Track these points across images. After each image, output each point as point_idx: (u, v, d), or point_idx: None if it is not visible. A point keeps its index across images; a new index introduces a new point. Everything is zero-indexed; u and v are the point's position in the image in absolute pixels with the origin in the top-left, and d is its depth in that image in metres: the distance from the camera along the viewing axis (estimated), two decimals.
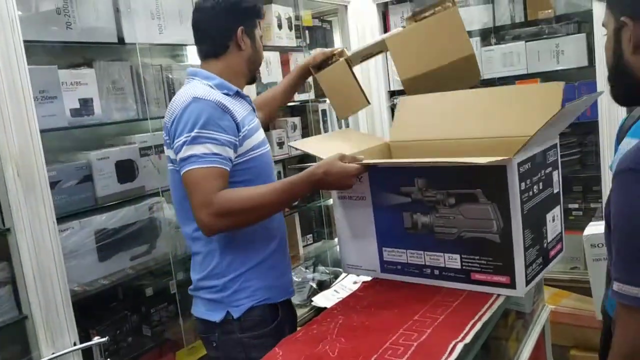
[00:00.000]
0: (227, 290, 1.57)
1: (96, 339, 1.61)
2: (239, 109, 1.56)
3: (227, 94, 1.56)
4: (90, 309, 1.91)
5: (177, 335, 2.17)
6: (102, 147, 1.99)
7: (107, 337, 1.63)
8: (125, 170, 1.99)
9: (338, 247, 1.68)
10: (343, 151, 1.50)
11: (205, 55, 1.63)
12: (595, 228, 2.14)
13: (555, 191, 1.55)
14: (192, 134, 1.44)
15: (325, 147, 1.64)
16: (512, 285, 1.34)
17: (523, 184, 1.31)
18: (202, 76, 1.59)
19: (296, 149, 1.76)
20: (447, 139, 1.68)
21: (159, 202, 2.09)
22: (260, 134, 1.65)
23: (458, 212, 1.38)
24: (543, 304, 2.04)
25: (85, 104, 1.88)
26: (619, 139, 1.52)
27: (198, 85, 1.54)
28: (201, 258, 1.62)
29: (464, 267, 1.40)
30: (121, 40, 1.98)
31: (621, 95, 1.10)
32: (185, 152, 1.44)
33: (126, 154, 2.00)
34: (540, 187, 1.43)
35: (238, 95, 1.62)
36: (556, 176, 1.57)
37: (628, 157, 0.93)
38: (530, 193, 1.37)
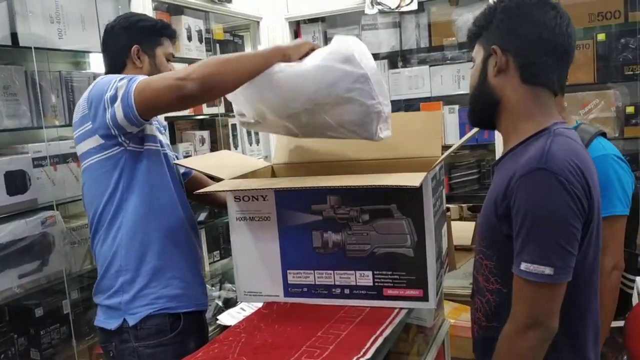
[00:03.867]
0: (123, 295, 1.52)
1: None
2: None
3: None
4: None
5: (69, 359, 2.03)
6: None
7: None
8: (16, 181, 1.85)
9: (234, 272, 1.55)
10: (228, 171, 1.55)
11: (108, 72, 1.67)
12: None
13: (444, 208, 1.62)
14: (115, 84, 1.44)
15: (211, 165, 1.62)
16: (424, 297, 1.36)
17: (432, 199, 1.36)
18: None
19: (181, 165, 1.69)
20: (335, 161, 1.72)
21: (53, 216, 1.96)
22: (163, 144, 1.64)
23: (372, 228, 1.38)
24: (443, 318, 2.10)
25: None
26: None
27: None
28: (102, 259, 1.55)
29: (376, 284, 1.40)
30: (15, 43, 1.86)
31: (477, 114, 1.31)
32: (119, 87, 1.44)
33: (17, 164, 1.87)
34: (439, 204, 1.49)
35: None
36: (444, 194, 1.66)
37: (532, 159, 1.11)
38: (436, 208, 1.42)
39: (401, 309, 1.39)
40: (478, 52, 1.27)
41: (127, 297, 1.51)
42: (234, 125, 2.93)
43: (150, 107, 1.43)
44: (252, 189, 1.44)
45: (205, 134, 2.76)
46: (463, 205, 1.80)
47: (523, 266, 1.09)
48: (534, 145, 1.15)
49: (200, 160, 1.83)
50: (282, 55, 1.45)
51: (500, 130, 1.29)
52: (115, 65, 1.66)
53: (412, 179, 1.25)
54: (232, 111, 2.89)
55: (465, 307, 2.70)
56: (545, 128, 1.18)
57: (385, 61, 3.21)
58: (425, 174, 1.31)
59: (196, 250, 1.67)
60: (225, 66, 1.41)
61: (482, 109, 1.28)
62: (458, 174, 2.96)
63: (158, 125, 1.67)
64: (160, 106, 1.45)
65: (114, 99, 1.43)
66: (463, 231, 1.82)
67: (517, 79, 1.20)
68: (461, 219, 1.75)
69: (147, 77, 1.46)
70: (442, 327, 2.00)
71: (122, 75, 1.48)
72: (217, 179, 1.56)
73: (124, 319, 1.51)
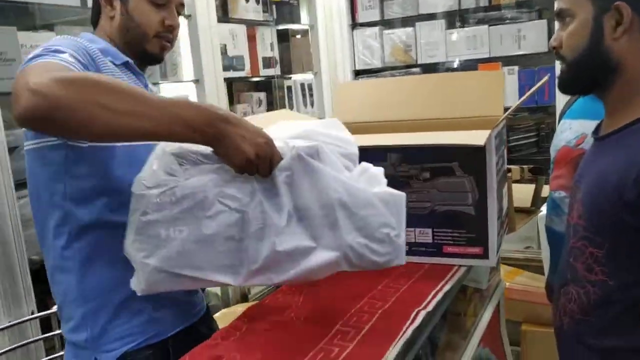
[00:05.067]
0: (87, 328, 1.12)
1: (55, 308, 1.53)
2: (118, 77, 1.17)
3: (112, 62, 1.20)
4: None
5: None
6: None
7: None
8: None
9: None
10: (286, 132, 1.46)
11: (91, 23, 1.33)
12: None
13: (505, 168, 1.60)
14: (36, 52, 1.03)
15: (270, 124, 1.64)
16: (485, 255, 1.37)
17: (495, 157, 1.35)
18: (86, 38, 1.22)
19: None
20: (396, 120, 1.68)
21: None
22: None
23: (432, 186, 1.39)
24: (499, 280, 2.10)
25: None
26: (559, 122, 1.67)
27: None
28: (56, 277, 1.17)
29: (435, 241, 1.42)
30: None
31: (581, 81, 1.15)
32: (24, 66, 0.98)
33: None
34: (501, 163, 1.48)
35: (127, 67, 1.24)
36: (505, 154, 1.62)
37: None
38: (498, 167, 1.41)
39: (460, 266, 1.40)
40: (580, 6, 1.11)
41: (92, 331, 1.12)
42: (289, 87, 2.96)
43: None
44: None
45: (262, 95, 2.80)
46: (524, 166, 1.77)
47: None
48: None
49: (260, 120, 1.86)
50: (192, 130, 0.89)
51: (606, 100, 1.16)
52: (93, 14, 1.30)
53: (476, 138, 1.25)
54: (287, 73, 2.94)
55: (519, 271, 2.69)
56: None
57: (443, 21, 3.14)
58: (489, 132, 1.30)
59: None
60: (97, 96, 0.86)
61: (590, 76, 1.13)
62: (516, 137, 2.91)
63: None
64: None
65: None
66: (523, 193, 1.81)
67: None
68: (522, 180, 1.72)
69: (36, 64, 0.97)
70: (498, 288, 2.01)
71: (45, 45, 1.07)
72: None
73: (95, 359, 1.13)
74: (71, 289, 1.12)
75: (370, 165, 1.19)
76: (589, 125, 1.38)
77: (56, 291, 1.16)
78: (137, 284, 0.96)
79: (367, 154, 1.44)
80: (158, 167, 0.93)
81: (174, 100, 0.93)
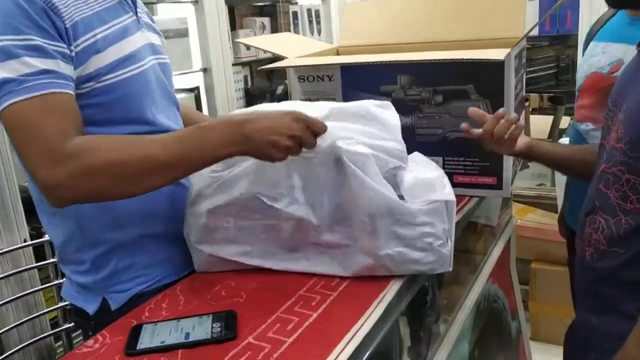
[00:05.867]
0: (98, 272, 1.03)
1: (48, 236, 1.45)
2: (81, 4, 0.94)
3: None
4: None
5: None
6: None
7: None
8: None
9: None
10: (293, 51, 1.35)
11: None
12: (566, 142, 2.13)
13: (523, 95, 1.50)
14: None
15: (275, 44, 1.52)
16: (498, 185, 1.29)
17: (514, 80, 1.24)
18: None
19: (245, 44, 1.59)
20: (408, 43, 1.56)
21: None
22: (131, 43, 1.00)
23: (445, 110, 1.29)
24: (510, 216, 2.03)
25: None
26: (586, 45, 1.51)
27: None
28: (53, 222, 1.06)
29: (446, 170, 1.32)
30: None
31: None
32: None
33: None
34: (519, 87, 1.38)
35: None
36: (524, 78, 1.51)
37: None
38: (517, 92, 1.31)
39: (472, 197, 1.32)
40: None
41: (102, 272, 1.04)
42: (295, 13, 2.80)
43: None
44: (318, 65, 1.36)
45: (266, 20, 2.65)
46: (544, 94, 1.64)
47: None
48: None
49: (264, 39, 1.75)
50: (241, 145, 0.89)
51: None
52: None
53: (495, 53, 1.14)
54: None
55: (530, 209, 2.61)
56: None
57: None
58: (509, 49, 1.19)
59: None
60: (127, 176, 0.86)
61: None
62: (533, 68, 2.76)
63: (106, 10, 0.99)
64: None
65: None
66: (540, 124, 1.71)
67: None
68: (539, 109, 1.61)
69: (24, 109, 0.84)
70: (509, 224, 1.93)
71: None
72: (281, 58, 1.48)
73: (104, 298, 1.05)
74: (75, 236, 1.02)
75: (423, 159, 1.15)
76: (626, 51, 1.25)
77: (54, 235, 1.07)
78: (195, 264, 1.07)
79: (375, 75, 1.34)
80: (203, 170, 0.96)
81: (200, 130, 0.91)
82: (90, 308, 1.04)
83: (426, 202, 0.95)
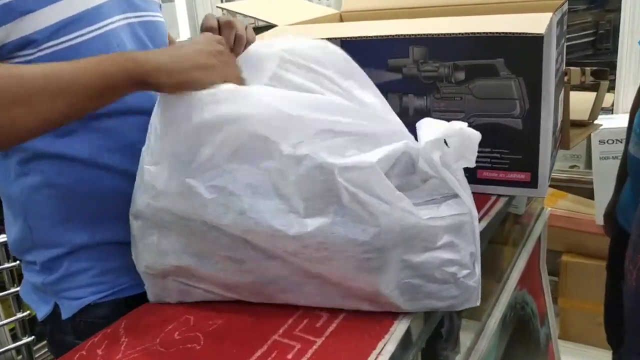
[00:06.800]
0: (51, 273, 0.92)
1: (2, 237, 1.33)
2: None
3: None
4: None
5: None
6: None
7: None
8: None
9: None
10: (285, 18, 1.17)
11: None
12: (606, 122, 1.88)
13: (563, 69, 1.27)
14: None
15: (264, 9, 1.29)
16: (532, 183, 1.06)
17: (555, 53, 1.00)
18: None
19: (227, 10, 1.38)
20: (423, 7, 1.35)
21: None
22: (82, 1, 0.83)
23: (468, 90, 1.05)
24: (541, 207, 1.80)
25: None
26: None
27: None
28: (8, 215, 0.97)
29: None
30: None
31: None
32: None
33: None
34: (560, 60, 1.14)
35: None
36: (565, 49, 1.28)
37: None
38: (557, 66, 1.07)
39: (500, 196, 1.08)
40: None
41: (53, 274, 0.92)
42: None
43: None
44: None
45: None
46: (586, 68, 1.39)
47: None
48: None
49: (253, 4, 1.50)
50: (145, 73, 0.72)
51: None
52: None
53: (533, 24, 0.90)
54: None
55: (562, 194, 2.38)
56: None
57: None
58: (550, 15, 0.95)
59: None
60: (25, 105, 0.70)
61: None
62: (568, 35, 2.47)
63: None
64: None
65: None
66: (580, 102, 1.45)
67: None
68: (581, 86, 1.36)
69: None
70: (540, 218, 1.70)
71: None
72: (273, 27, 1.25)
73: (55, 304, 0.94)
74: (25, 236, 0.92)
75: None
76: None
77: (7, 231, 0.98)
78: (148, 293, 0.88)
79: (384, 47, 1.11)
80: None
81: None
82: (42, 311, 0.95)
83: (450, 214, 0.72)
